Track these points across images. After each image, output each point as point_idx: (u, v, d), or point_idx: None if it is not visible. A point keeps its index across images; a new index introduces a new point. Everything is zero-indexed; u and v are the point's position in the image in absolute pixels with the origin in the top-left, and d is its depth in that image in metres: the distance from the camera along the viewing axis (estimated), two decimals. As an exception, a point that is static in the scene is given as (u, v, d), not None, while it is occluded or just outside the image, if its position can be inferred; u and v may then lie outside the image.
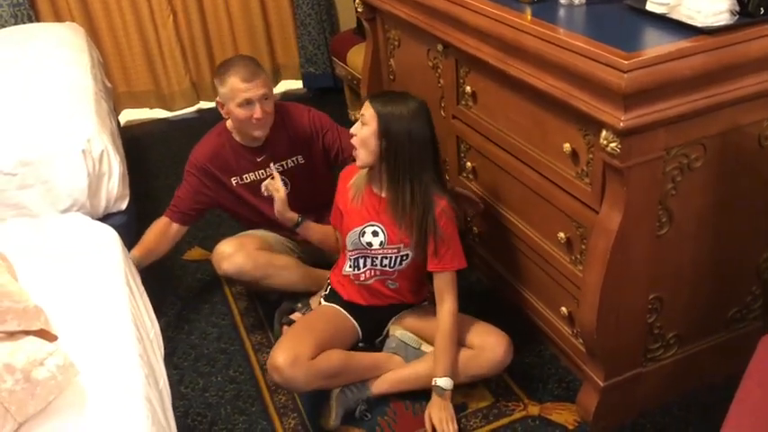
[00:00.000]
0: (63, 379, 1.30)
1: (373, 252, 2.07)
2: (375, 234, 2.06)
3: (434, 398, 2.00)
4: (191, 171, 2.41)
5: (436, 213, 1.99)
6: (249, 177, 2.42)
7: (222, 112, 2.34)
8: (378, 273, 2.11)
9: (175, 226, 2.43)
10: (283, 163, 2.42)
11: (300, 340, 2.01)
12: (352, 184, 2.10)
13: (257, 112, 2.25)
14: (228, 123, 2.40)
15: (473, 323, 2.08)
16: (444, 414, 1.97)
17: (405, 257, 2.07)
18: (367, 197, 2.06)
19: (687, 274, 1.84)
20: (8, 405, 1.22)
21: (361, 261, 2.10)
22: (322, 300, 2.24)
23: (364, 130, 1.96)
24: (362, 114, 1.97)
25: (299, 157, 2.43)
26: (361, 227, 2.06)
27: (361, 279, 2.12)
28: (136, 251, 2.32)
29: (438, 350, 2.01)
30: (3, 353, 1.26)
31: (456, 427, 1.97)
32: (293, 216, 2.25)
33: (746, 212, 1.83)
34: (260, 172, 2.42)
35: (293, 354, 1.96)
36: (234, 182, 2.42)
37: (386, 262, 2.08)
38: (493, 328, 2.07)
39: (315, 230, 2.30)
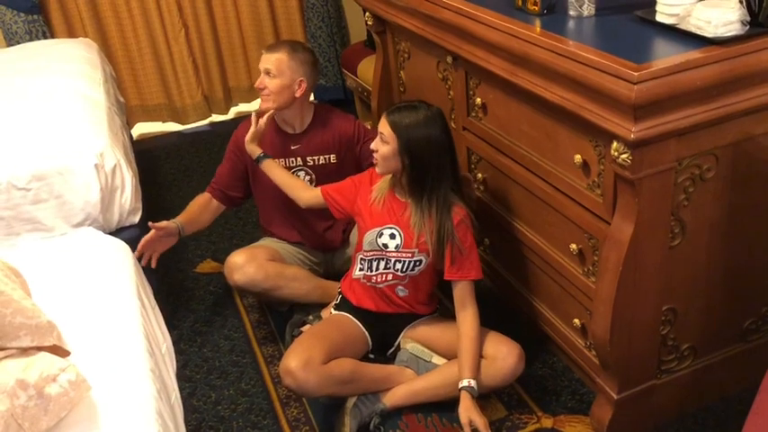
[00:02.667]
0: (75, 395, 1.31)
1: (388, 254, 2.09)
2: (392, 237, 2.08)
3: (470, 400, 1.96)
4: (231, 149, 2.50)
5: (455, 223, 2.01)
6: (280, 163, 2.46)
7: None
8: (390, 277, 2.12)
9: (215, 202, 2.53)
10: (315, 158, 2.47)
11: (312, 346, 2.02)
12: (376, 186, 2.13)
13: (259, 80, 2.37)
14: None
15: (485, 333, 2.08)
16: (484, 419, 1.95)
17: (418, 263, 2.08)
18: (389, 200, 2.10)
19: (701, 286, 1.83)
20: (21, 421, 1.22)
21: (375, 263, 2.12)
22: (333, 309, 2.24)
23: (385, 148, 2.00)
24: (381, 132, 2.00)
25: (332, 156, 2.48)
26: (380, 228, 2.09)
27: (373, 281, 2.14)
28: (180, 218, 2.45)
29: (464, 353, 2.01)
30: (16, 369, 1.27)
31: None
32: (256, 149, 2.35)
33: (761, 222, 1.81)
34: (290, 160, 2.47)
35: (305, 357, 1.97)
36: None
37: (399, 266, 2.10)
38: (504, 338, 2.07)
39: (277, 172, 2.34)
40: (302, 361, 1.96)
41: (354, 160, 2.50)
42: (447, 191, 2.02)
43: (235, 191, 2.52)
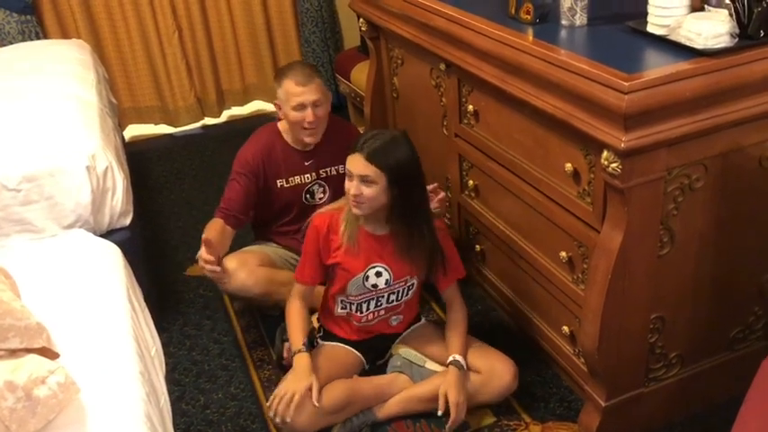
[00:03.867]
0: (64, 397, 1.30)
1: (379, 292, 2.06)
2: (379, 275, 2.03)
3: (455, 374, 1.97)
4: (241, 171, 2.39)
5: (440, 237, 2.02)
6: (295, 180, 2.46)
7: (279, 113, 2.41)
8: (382, 312, 2.10)
9: (229, 228, 2.39)
10: (327, 170, 2.47)
11: None
12: (341, 231, 2.01)
13: (309, 115, 2.30)
14: (281, 125, 2.47)
15: (479, 346, 2.10)
16: (462, 398, 1.95)
17: (411, 287, 2.09)
18: (363, 240, 2.01)
19: (689, 294, 1.84)
20: (9, 423, 1.22)
21: (365, 305, 2.08)
22: (318, 340, 2.19)
23: (372, 189, 1.88)
24: (364, 175, 1.87)
25: (341, 166, 2.42)
26: (363, 272, 2.02)
27: (363, 321, 2.11)
28: (209, 236, 2.26)
29: (454, 335, 2.07)
30: (4, 370, 1.27)
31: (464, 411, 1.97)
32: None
33: (748, 232, 1.83)
34: (305, 176, 2.46)
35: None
36: (279, 184, 2.45)
37: (393, 297, 2.08)
38: (499, 354, 2.08)
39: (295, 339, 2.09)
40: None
41: None
42: (428, 210, 2.01)
43: (246, 214, 2.44)
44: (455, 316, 2.11)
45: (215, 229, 2.35)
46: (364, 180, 1.88)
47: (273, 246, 2.56)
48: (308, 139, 2.38)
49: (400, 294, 2.08)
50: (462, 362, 2.00)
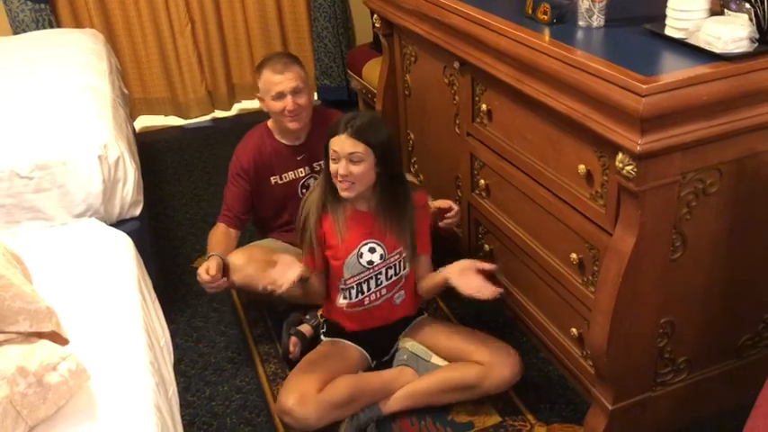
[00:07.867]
0: (74, 384, 1.30)
1: (376, 268, 2.06)
2: (372, 251, 2.05)
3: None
4: (238, 173, 2.42)
5: (422, 205, 2.11)
6: (288, 176, 2.46)
7: (263, 107, 2.42)
8: (384, 291, 2.10)
9: (233, 231, 2.42)
10: (321, 162, 2.44)
11: (306, 378, 2.02)
12: (335, 220, 2.03)
13: (289, 103, 2.30)
14: (269, 123, 2.47)
15: (482, 338, 2.09)
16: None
17: (405, 258, 2.09)
18: (351, 220, 2.03)
19: (699, 299, 1.84)
20: (20, 408, 1.22)
21: (365, 285, 2.08)
22: (322, 336, 2.22)
23: (360, 166, 1.92)
24: (353, 152, 1.91)
25: None
26: (356, 249, 2.04)
27: (366, 303, 2.10)
28: (215, 251, 2.28)
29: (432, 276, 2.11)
30: (17, 356, 1.27)
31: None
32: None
33: (761, 239, 1.82)
34: (299, 171, 2.46)
35: (300, 392, 1.97)
36: (273, 181, 2.46)
37: (391, 272, 2.08)
38: (502, 344, 2.08)
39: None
40: (297, 396, 1.96)
41: None
42: (407, 182, 2.08)
43: (247, 213, 2.47)
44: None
45: (217, 239, 2.37)
46: (352, 159, 1.92)
47: (278, 242, 2.55)
48: (291, 126, 2.36)
49: (398, 268, 2.08)
50: None
